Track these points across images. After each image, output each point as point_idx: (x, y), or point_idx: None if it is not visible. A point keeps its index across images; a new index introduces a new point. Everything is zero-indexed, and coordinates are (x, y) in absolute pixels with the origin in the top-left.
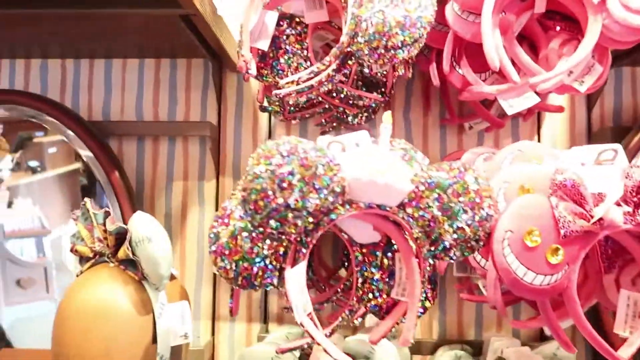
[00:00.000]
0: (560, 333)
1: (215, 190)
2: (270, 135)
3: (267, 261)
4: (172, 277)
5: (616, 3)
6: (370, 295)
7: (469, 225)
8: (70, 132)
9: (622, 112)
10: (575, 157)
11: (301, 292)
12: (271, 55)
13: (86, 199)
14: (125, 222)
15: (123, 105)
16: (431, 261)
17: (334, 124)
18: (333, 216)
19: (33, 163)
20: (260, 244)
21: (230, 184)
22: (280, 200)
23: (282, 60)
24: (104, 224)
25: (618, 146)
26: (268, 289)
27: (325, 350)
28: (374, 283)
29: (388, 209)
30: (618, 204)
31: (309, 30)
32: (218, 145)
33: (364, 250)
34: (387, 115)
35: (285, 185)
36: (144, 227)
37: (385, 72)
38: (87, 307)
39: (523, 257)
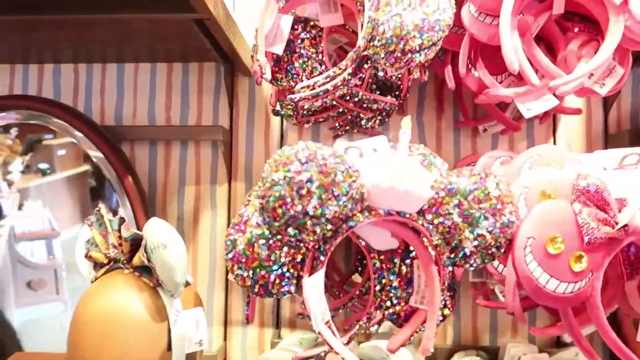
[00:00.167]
0: (582, 341)
1: (228, 194)
2: (282, 139)
3: (285, 269)
4: (187, 284)
5: (639, 4)
6: (388, 303)
7: (490, 232)
8: (81, 135)
9: (639, 114)
10: (596, 160)
11: (320, 300)
12: (286, 59)
13: (100, 205)
14: (137, 227)
15: (135, 110)
16: (450, 268)
17: (347, 128)
18: (352, 223)
19: (43, 165)
20: (277, 252)
21: (242, 189)
22: (299, 208)
23: (296, 64)
24: (119, 230)
25: None
26: (285, 297)
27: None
28: (392, 290)
29: (407, 215)
30: None
31: (323, 33)
32: (230, 149)
33: (382, 257)
34: (406, 121)
35: (304, 192)
36: (159, 233)
37: (400, 76)
38: (102, 313)
39: (546, 265)
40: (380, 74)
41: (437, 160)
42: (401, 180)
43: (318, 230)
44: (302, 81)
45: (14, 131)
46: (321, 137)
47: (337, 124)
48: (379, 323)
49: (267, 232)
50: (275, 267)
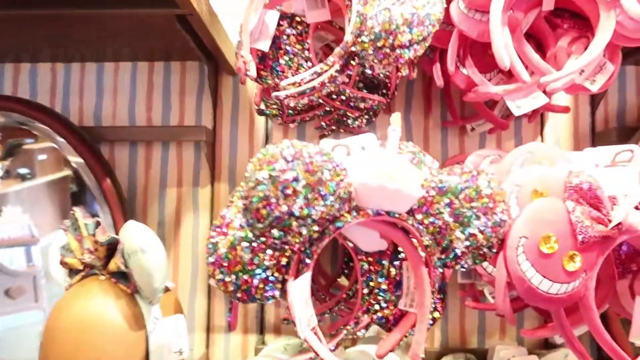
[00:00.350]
0: (575, 342)
1: (211, 197)
2: (267, 140)
3: (269, 273)
4: (167, 289)
5: None
6: (377, 307)
7: (481, 232)
8: (60, 139)
9: (626, 112)
10: (588, 158)
11: (305, 305)
12: (271, 56)
13: (75, 208)
14: (116, 231)
15: (115, 110)
16: (441, 270)
17: (334, 127)
18: (339, 224)
19: (23, 170)
20: (261, 255)
21: (226, 191)
22: (284, 208)
23: (282, 61)
24: (95, 234)
25: (635, 147)
26: (269, 302)
27: None
28: (381, 294)
29: (397, 215)
30: (636, 208)
31: (310, 30)
32: (213, 150)
33: (370, 259)
34: (396, 117)
35: (289, 191)
36: (137, 237)
37: (387, 73)
38: (77, 322)
39: (539, 265)
40: (368, 71)
41: (427, 159)
42: (391, 179)
43: (304, 231)
44: (288, 78)
45: None
46: (307, 137)
47: (323, 124)
48: (366, 327)
49: (250, 235)
50: (259, 271)
